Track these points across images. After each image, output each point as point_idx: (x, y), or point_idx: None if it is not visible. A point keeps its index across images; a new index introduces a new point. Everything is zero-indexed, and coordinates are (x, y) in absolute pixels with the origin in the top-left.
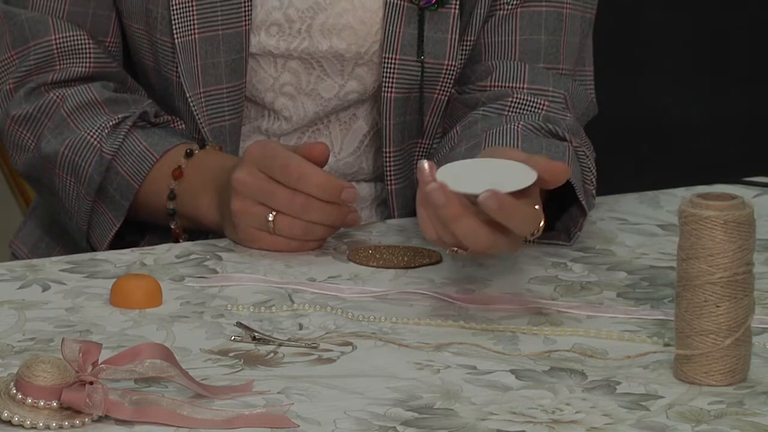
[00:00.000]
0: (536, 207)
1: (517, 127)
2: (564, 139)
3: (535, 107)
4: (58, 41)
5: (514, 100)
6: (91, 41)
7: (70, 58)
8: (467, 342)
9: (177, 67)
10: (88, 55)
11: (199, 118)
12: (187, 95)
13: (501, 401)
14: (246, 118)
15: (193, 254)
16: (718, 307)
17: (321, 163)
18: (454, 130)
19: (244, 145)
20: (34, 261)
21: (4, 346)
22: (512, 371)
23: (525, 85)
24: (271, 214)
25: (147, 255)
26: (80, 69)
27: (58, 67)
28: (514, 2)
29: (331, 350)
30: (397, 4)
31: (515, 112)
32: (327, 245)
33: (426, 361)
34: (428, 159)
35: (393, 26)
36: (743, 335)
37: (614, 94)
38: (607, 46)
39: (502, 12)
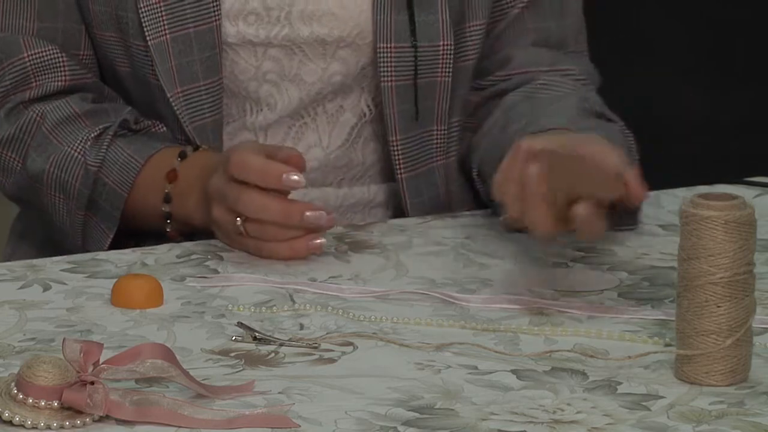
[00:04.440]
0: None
1: (571, 102)
2: (611, 120)
3: (563, 85)
4: (31, 58)
5: (542, 81)
6: (64, 55)
7: (45, 74)
8: (468, 342)
9: (153, 69)
10: (62, 69)
11: (182, 118)
12: (168, 95)
13: (502, 401)
14: (229, 116)
15: (194, 254)
16: (719, 307)
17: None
18: (495, 115)
19: (231, 144)
20: (35, 261)
21: (5, 346)
22: (513, 371)
23: (546, 68)
24: (239, 219)
25: (148, 255)
26: (57, 83)
27: (34, 84)
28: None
29: (332, 350)
30: None
31: (546, 91)
32: (328, 245)
33: (427, 361)
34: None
35: (384, 15)
36: (744, 335)
37: (615, 94)
38: (608, 46)
39: (514, 11)
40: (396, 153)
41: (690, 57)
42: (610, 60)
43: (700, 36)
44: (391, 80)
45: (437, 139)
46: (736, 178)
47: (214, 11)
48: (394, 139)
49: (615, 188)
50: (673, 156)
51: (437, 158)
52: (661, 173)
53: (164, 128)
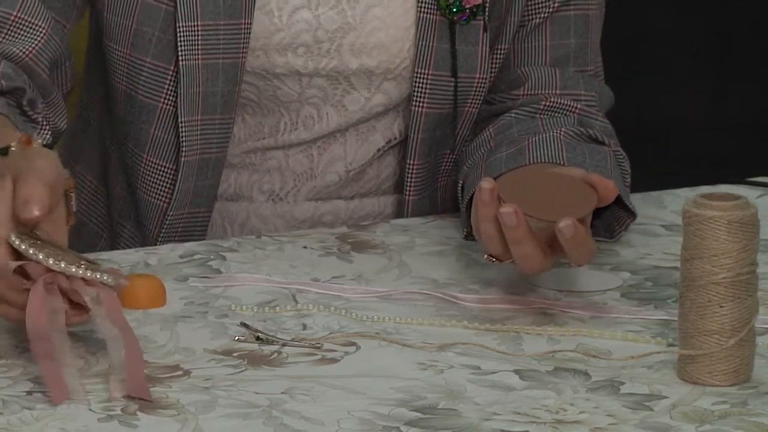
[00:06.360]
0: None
1: (560, 134)
2: (603, 143)
3: (567, 109)
4: (15, 19)
5: (547, 103)
6: (50, 32)
7: (14, 38)
8: (471, 342)
9: (165, 92)
10: (34, 42)
11: (187, 147)
12: (181, 120)
13: (505, 401)
14: (259, 133)
15: (197, 254)
16: (721, 307)
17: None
18: (487, 133)
19: (263, 166)
20: None
21: (7, 346)
22: (516, 371)
23: (557, 91)
24: None
25: (151, 255)
26: (17, 52)
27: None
28: (548, 10)
29: (335, 350)
30: (429, 19)
31: (547, 114)
32: (331, 245)
33: (430, 361)
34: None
35: (426, 42)
36: (747, 335)
37: (618, 95)
38: (612, 48)
39: (535, 20)
40: (410, 176)
41: (692, 57)
42: (613, 61)
43: (702, 36)
44: (423, 107)
45: (446, 163)
46: (738, 179)
47: (243, 45)
48: (411, 162)
49: (587, 196)
50: (676, 156)
51: (442, 180)
52: (664, 173)
53: (49, 136)
